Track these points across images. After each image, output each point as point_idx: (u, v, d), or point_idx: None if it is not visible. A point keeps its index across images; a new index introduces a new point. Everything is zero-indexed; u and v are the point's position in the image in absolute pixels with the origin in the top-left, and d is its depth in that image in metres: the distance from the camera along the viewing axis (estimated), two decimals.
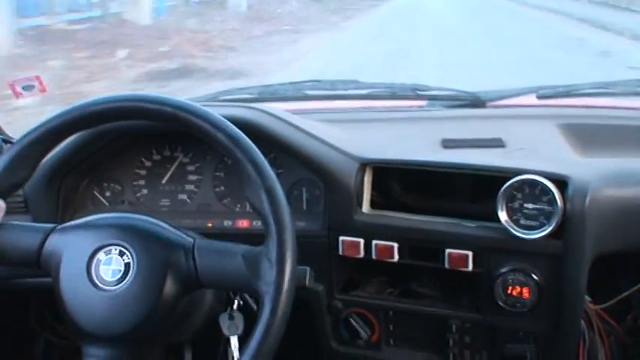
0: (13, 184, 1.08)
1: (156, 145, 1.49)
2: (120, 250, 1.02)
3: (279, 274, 0.96)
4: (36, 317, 1.66)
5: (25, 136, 1.07)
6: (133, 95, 1.06)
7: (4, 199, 1.08)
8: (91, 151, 1.42)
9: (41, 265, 1.05)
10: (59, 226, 1.08)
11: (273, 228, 0.98)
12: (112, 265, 1.01)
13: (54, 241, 1.05)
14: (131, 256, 1.01)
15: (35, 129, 1.07)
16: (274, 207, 0.99)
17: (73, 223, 1.09)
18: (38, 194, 1.41)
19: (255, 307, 1.31)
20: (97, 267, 1.01)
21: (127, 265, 1.01)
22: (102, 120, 1.08)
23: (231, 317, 1.30)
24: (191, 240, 1.05)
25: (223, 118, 1.04)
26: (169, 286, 1.01)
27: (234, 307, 1.31)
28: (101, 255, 1.02)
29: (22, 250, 1.06)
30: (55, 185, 1.42)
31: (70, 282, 1.02)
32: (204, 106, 1.05)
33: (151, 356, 1.07)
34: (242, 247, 1.02)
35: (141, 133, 1.43)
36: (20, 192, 1.35)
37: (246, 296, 1.31)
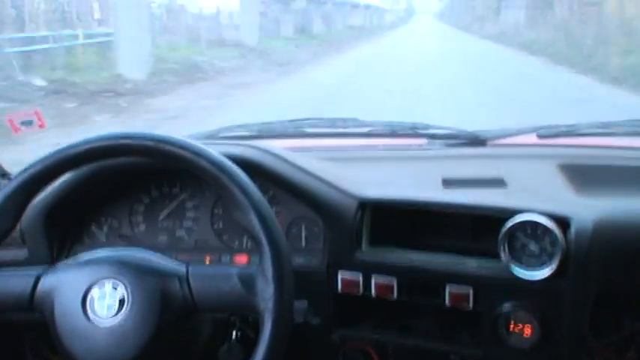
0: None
1: (154, 182, 1.49)
2: (113, 285, 1.02)
3: (277, 289, 0.98)
4: (30, 348, 1.64)
5: (9, 183, 1.07)
6: (114, 133, 1.07)
7: None
8: (89, 186, 1.42)
9: (35, 308, 1.05)
10: (50, 268, 1.08)
11: (266, 246, 1.00)
12: (107, 300, 1.01)
13: (46, 283, 1.06)
14: (125, 289, 1.02)
15: (15, 178, 1.07)
16: (264, 225, 1.01)
17: (63, 263, 1.10)
18: (35, 229, 1.40)
19: (254, 337, 1.29)
20: (92, 303, 1.01)
21: (122, 299, 1.01)
22: (84, 161, 1.09)
23: (230, 350, 1.30)
24: (184, 267, 1.05)
25: (205, 147, 1.05)
26: (166, 316, 1.02)
27: (233, 338, 1.31)
28: (95, 291, 1.02)
29: (14, 296, 1.06)
30: (51, 220, 1.41)
31: (66, 320, 1.02)
32: (203, 143, 1.06)
33: None
34: (236, 268, 1.04)
35: (139, 169, 1.43)
36: (17, 226, 1.35)
37: (245, 327, 1.30)
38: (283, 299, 0.98)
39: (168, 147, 1.04)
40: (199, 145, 1.05)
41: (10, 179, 1.09)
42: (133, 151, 1.07)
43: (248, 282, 1.00)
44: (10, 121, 1.75)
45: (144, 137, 1.05)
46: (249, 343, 1.26)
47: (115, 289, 1.02)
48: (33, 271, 1.08)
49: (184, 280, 1.03)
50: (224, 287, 1.02)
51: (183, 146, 1.04)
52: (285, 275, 0.99)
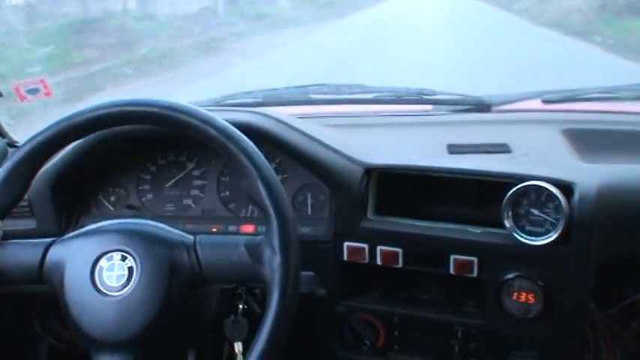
0: (7, 205, 1.08)
1: (161, 150, 1.49)
2: (122, 255, 1.02)
3: (284, 260, 0.97)
4: (39, 322, 1.66)
5: (14, 154, 1.07)
6: (119, 101, 1.06)
7: (2, 218, 1.08)
8: (95, 156, 1.42)
9: (43, 279, 1.05)
10: (58, 239, 1.08)
11: (272, 216, 0.99)
12: (116, 271, 1.01)
13: (54, 254, 1.05)
14: (133, 259, 1.02)
15: (24, 145, 1.06)
16: (272, 195, 1.00)
17: (71, 234, 1.09)
18: (42, 199, 1.41)
19: (259, 310, 1.31)
20: (101, 274, 1.02)
21: (130, 270, 1.01)
22: (91, 129, 1.08)
23: (235, 322, 1.31)
24: (191, 237, 1.06)
25: (212, 115, 1.04)
26: (174, 286, 1.02)
27: (239, 312, 1.32)
28: (103, 262, 1.02)
29: (23, 267, 1.06)
30: (59, 190, 1.42)
31: (75, 292, 1.02)
32: (208, 110, 1.06)
33: None
34: (243, 238, 1.03)
35: (146, 137, 1.43)
36: (25, 196, 1.36)
37: (250, 301, 1.31)
38: (290, 270, 0.97)
39: (175, 114, 1.03)
40: (207, 112, 1.04)
41: (20, 146, 1.09)
42: (140, 119, 1.06)
43: (255, 252, 1.00)
44: (17, 88, 1.76)
45: (150, 104, 1.04)
46: (254, 316, 1.27)
47: (124, 259, 1.02)
48: (42, 241, 1.07)
49: (192, 249, 1.03)
50: (231, 257, 1.02)
51: (190, 113, 1.03)
52: (291, 245, 0.99)
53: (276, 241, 0.98)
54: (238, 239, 1.03)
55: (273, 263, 0.98)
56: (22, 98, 1.78)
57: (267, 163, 1.02)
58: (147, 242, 1.04)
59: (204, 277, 1.04)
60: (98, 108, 1.06)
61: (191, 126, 1.03)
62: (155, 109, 1.04)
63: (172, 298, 1.02)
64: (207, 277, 1.04)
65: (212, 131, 1.02)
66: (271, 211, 1.00)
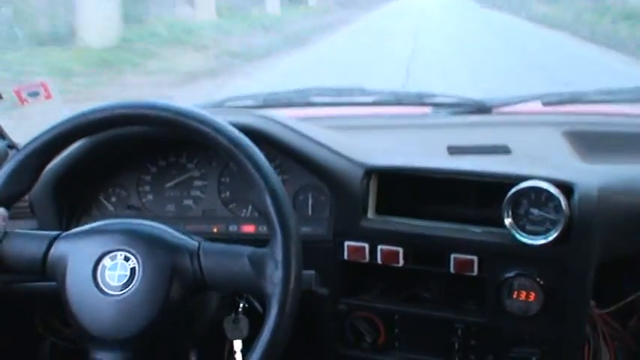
0: (15, 194, 1.09)
1: (161, 151, 1.49)
2: (125, 256, 1.03)
3: (285, 275, 0.97)
4: (41, 320, 1.67)
5: (26, 146, 1.08)
6: (133, 102, 1.07)
7: (8, 208, 1.08)
8: (97, 157, 1.43)
9: (47, 272, 1.06)
10: (63, 234, 1.09)
11: (277, 229, 0.99)
12: (118, 271, 1.02)
13: (59, 249, 1.06)
14: (136, 260, 1.02)
15: (36, 139, 1.07)
16: (278, 209, 1.00)
17: (77, 230, 1.10)
18: (44, 199, 1.42)
19: (260, 309, 1.31)
20: (103, 273, 1.02)
21: (133, 270, 1.02)
22: (102, 128, 1.09)
23: (236, 321, 1.31)
24: (196, 243, 1.06)
25: (224, 122, 1.04)
26: (175, 289, 1.02)
27: (239, 310, 1.32)
28: (106, 261, 1.03)
29: (27, 259, 1.06)
30: (60, 190, 1.42)
31: (77, 288, 1.03)
32: (209, 112, 1.06)
33: None
34: (247, 249, 1.03)
35: (146, 139, 1.44)
36: (26, 197, 1.36)
37: (252, 299, 1.32)
38: (291, 285, 0.97)
39: (187, 120, 1.04)
40: (219, 120, 1.04)
41: (24, 146, 1.09)
42: (150, 121, 1.06)
43: (258, 264, 1.00)
44: (17, 92, 1.76)
45: (161, 108, 1.05)
46: (255, 316, 1.28)
47: (127, 260, 1.02)
48: (46, 235, 1.08)
49: (195, 255, 1.04)
50: (234, 267, 1.02)
51: (202, 120, 1.03)
52: (294, 261, 0.99)
53: (279, 256, 0.98)
54: (242, 249, 1.03)
55: (274, 277, 0.98)
56: (23, 101, 1.78)
57: (276, 175, 1.02)
58: (151, 245, 1.04)
59: (205, 283, 1.04)
60: (114, 107, 1.06)
61: (201, 133, 1.04)
62: (169, 114, 1.05)
63: (173, 301, 1.02)
64: (208, 284, 1.04)
65: (222, 140, 1.03)
66: (277, 225, 1.00)
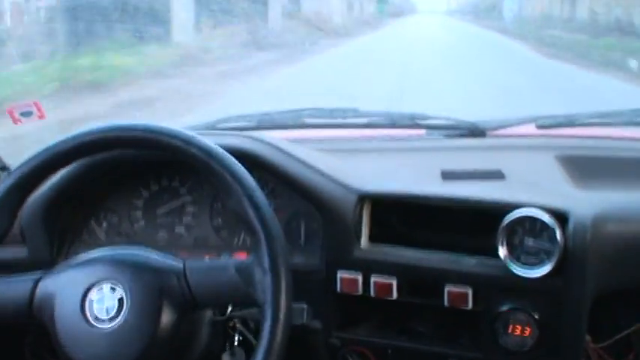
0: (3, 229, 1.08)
1: (154, 175, 1.48)
2: (111, 287, 1.02)
3: (275, 281, 0.97)
4: (30, 352, 1.64)
5: (3, 182, 1.07)
6: (102, 127, 1.07)
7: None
8: (86, 182, 1.41)
9: (34, 314, 1.05)
10: (47, 273, 1.07)
11: (261, 234, 0.99)
12: (105, 303, 1.01)
13: (44, 288, 1.05)
14: (123, 290, 1.01)
15: (7, 177, 1.07)
16: (258, 213, 1.00)
17: (60, 266, 1.10)
18: (34, 225, 1.40)
19: (254, 342, 1.29)
20: (91, 306, 1.01)
21: (120, 300, 1.01)
22: (76, 156, 1.09)
23: (232, 354, 1.30)
24: (180, 263, 1.05)
25: (194, 135, 1.04)
26: (166, 313, 1.01)
27: (235, 343, 1.30)
28: (93, 294, 1.02)
29: (12, 304, 1.06)
30: (51, 216, 1.41)
31: (66, 325, 1.02)
32: (200, 134, 1.06)
33: None
34: (232, 261, 1.05)
35: (138, 162, 1.43)
36: (16, 223, 1.35)
37: (246, 332, 1.30)
38: (281, 287, 0.97)
39: (157, 136, 1.04)
40: (188, 132, 1.04)
41: (10, 172, 1.09)
42: (124, 143, 1.06)
43: (246, 274, 1.00)
44: (10, 111, 1.75)
45: (132, 128, 1.05)
46: (250, 347, 1.26)
47: (114, 290, 1.01)
48: (31, 276, 1.07)
49: (182, 275, 1.03)
50: (221, 279, 1.02)
51: (171, 135, 1.03)
52: (281, 263, 0.98)
53: (265, 260, 0.98)
54: (228, 262, 1.04)
55: (264, 284, 0.98)
56: (16, 121, 1.77)
57: (252, 180, 1.02)
58: (136, 271, 1.03)
59: (195, 302, 1.03)
60: (83, 135, 1.06)
61: (174, 147, 1.04)
62: (138, 133, 1.05)
63: (164, 326, 1.01)
64: (198, 301, 1.03)
65: (194, 151, 1.03)
66: (258, 228, 1.00)
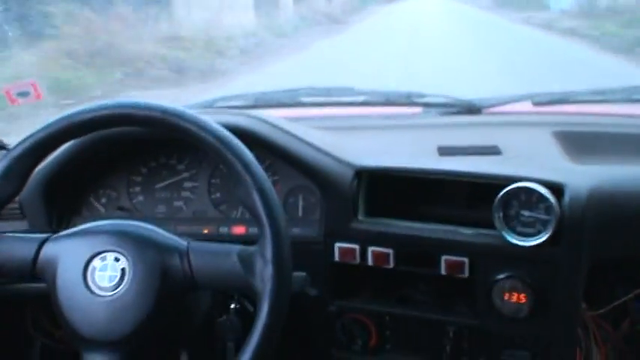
0: (4, 197, 1.08)
1: (152, 152, 1.49)
2: (115, 257, 1.03)
3: (275, 272, 0.98)
4: (32, 322, 1.66)
5: (12, 150, 1.07)
6: (120, 102, 1.07)
7: None
8: (87, 158, 1.42)
9: (37, 274, 1.06)
10: (53, 235, 1.08)
11: (267, 227, 1.00)
12: (108, 272, 1.02)
13: (49, 251, 1.06)
14: (126, 261, 1.02)
15: (22, 142, 1.07)
16: (267, 206, 1.00)
17: (66, 231, 1.10)
18: (34, 201, 1.41)
19: (252, 310, 1.31)
20: (93, 274, 1.02)
21: (123, 271, 1.02)
22: (90, 129, 1.08)
23: (228, 322, 1.31)
24: (185, 243, 1.06)
25: (211, 121, 1.04)
26: (165, 290, 1.02)
27: (231, 311, 1.32)
28: (96, 262, 1.03)
29: (17, 261, 1.06)
30: (50, 192, 1.41)
31: (67, 290, 1.03)
32: (199, 113, 1.06)
33: None
34: (236, 247, 1.04)
35: (137, 139, 1.43)
36: (16, 198, 1.36)
37: (244, 300, 1.32)
38: (281, 282, 0.98)
39: (175, 119, 1.04)
40: (204, 118, 1.04)
41: (9, 149, 1.09)
42: (139, 121, 1.06)
43: (247, 262, 1.01)
44: (7, 92, 1.75)
45: (151, 108, 1.05)
46: (247, 316, 1.28)
47: (117, 260, 1.02)
48: (36, 237, 1.08)
49: (185, 255, 1.04)
50: (223, 265, 1.02)
51: (189, 119, 1.03)
52: (283, 258, 0.99)
53: (268, 253, 0.99)
54: (231, 248, 1.04)
55: (264, 274, 0.99)
56: (13, 101, 1.77)
57: (263, 172, 1.03)
58: (140, 245, 1.04)
59: (195, 283, 1.04)
60: (100, 108, 1.06)
61: (188, 131, 1.04)
62: (156, 114, 1.04)
63: (163, 301, 1.02)
64: (198, 283, 1.04)
65: (209, 138, 1.03)
66: (265, 222, 1.00)
